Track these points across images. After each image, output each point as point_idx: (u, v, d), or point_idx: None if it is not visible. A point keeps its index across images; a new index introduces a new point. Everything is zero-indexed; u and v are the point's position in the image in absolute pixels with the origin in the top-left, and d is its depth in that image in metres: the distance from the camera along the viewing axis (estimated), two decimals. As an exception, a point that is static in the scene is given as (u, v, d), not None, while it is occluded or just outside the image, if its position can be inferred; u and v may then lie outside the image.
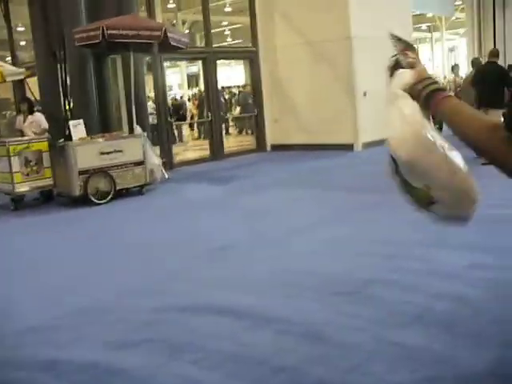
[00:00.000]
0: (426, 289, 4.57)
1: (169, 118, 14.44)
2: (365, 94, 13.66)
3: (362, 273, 5.11)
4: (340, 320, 4.12)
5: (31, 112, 10.64)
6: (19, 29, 16.33)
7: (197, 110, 22.01)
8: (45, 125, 10.58)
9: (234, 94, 24.47)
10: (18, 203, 10.11)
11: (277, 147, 15.77)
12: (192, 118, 22.58)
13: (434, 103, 1.79)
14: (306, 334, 3.94)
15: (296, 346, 3.77)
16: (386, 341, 3.72)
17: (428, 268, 5.09)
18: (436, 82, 1.84)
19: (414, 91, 1.84)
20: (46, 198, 10.49)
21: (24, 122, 10.53)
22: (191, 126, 23.24)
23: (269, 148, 16.05)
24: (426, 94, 1.81)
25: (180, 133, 20.92)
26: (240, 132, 22.07)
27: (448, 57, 37.14)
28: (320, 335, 3.89)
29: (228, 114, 22.02)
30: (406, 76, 1.89)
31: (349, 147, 14.07)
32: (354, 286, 4.77)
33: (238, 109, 22.21)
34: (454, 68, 17.27)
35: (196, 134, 22.21)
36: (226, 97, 23.83)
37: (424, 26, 34.88)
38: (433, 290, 4.52)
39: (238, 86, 24.11)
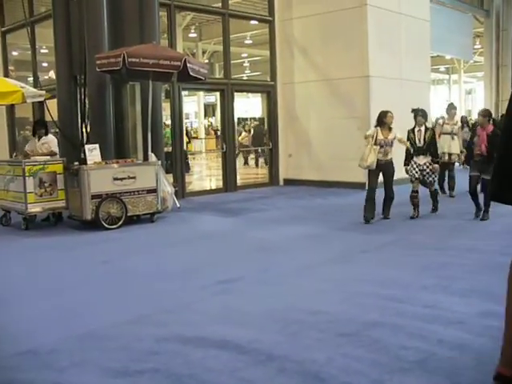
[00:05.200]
0: (429, 335, 4.55)
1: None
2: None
3: (367, 315, 5.10)
4: (341, 361, 4.11)
5: (46, 134, 10.84)
6: (42, 51, 16.59)
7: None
8: (55, 148, 10.79)
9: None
10: (30, 223, 10.20)
11: (289, 181, 15.85)
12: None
13: None
14: (306, 373, 3.94)
15: (296, 386, 3.77)
16: (386, 386, 3.71)
17: (434, 314, 5.07)
18: None
19: None
20: (57, 220, 10.58)
21: (38, 141, 10.71)
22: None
23: (281, 182, 16.13)
24: None
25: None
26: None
27: (465, 99, 37.24)
28: (320, 376, 3.88)
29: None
30: None
31: (361, 186, 14.06)
32: (357, 328, 4.77)
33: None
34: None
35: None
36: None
37: (442, 68, 35.09)
38: (437, 337, 4.50)
39: (254, 119, 24.25)
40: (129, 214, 10.06)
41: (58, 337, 4.79)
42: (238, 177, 15.93)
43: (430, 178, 10.02)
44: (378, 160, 9.59)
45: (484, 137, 9.35)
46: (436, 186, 10.43)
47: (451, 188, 12.43)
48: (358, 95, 14.23)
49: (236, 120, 16.65)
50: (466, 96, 37.76)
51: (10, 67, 17.53)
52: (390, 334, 4.61)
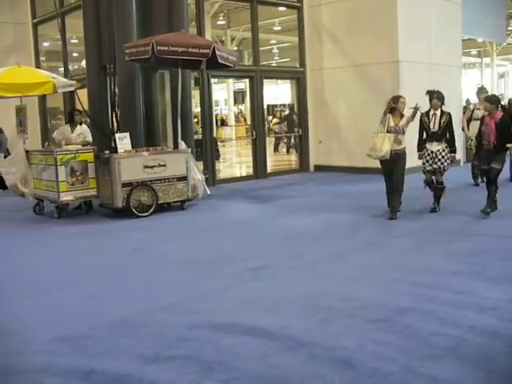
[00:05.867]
0: (461, 321, 4.53)
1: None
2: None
3: (397, 301, 5.09)
4: (371, 348, 4.10)
5: (80, 123, 10.96)
6: (72, 41, 16.75)
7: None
8: (89, 138, 10.92)
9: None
10: (62, 211, 10.34)
11: (319, 168, 15.79)
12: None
13: None
14: (336, 359, 3.94)
15: (325, 372, 3.77)
16: (416, 372, 3.70)
17: (465, 300, 5.04)
18: None
19: None
20: (88, 208, 10.70)
21: (72, 132, 10.80)
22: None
23: (312, 168, 16.08)
24: None
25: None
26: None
27: (498, 83, 36.61)
28: (350, 362, 3.89)
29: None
30: None
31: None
32: (388, 314, 4.75)
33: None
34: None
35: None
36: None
37: (474, 51, 34.51)
38: (468, 323, 4.48)
39: (284, 105, 24.16)
40: (159, 202, 10.12)
41: (91, 324, 4.87)
42: (269, 164, 15.90)
43: (442, 166, 9.06)
44: None
45: (492, 126, 8.59)
46: (443, 177, 9.22)
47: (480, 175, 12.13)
48: (388, 81, 14.07)
49: (265, 107, 16.57)
50: (498, 80, 37.12)
51: (42, 58, 17.73)
52: (421, 320, 4.60)
